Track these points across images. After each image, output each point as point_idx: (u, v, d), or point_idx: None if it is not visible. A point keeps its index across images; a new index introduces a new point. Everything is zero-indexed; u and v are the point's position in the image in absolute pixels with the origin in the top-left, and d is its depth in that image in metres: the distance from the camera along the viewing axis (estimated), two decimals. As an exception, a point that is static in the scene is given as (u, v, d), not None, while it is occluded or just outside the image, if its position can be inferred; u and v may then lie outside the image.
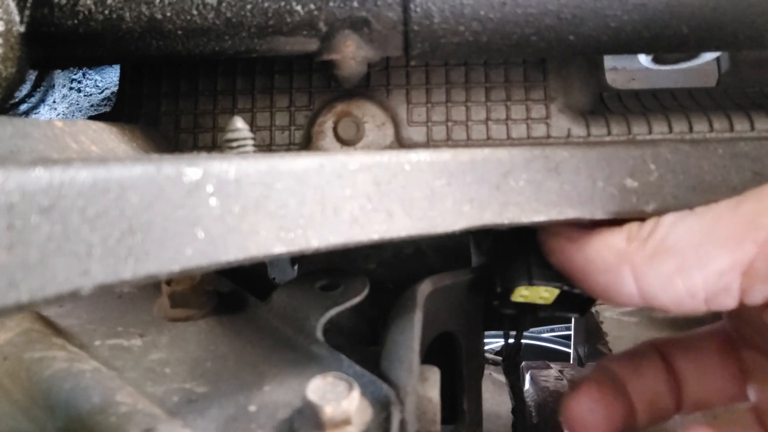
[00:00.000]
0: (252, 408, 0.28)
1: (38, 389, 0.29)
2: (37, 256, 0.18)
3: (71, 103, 0.53)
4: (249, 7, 0.34)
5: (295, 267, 0.54)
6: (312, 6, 0.34)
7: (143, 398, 0.28)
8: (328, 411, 0.25)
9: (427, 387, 0.32)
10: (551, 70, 0.43)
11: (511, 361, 0.54)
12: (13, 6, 0.34)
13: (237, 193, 0.24)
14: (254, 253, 0.24)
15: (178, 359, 0.32)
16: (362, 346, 0.42)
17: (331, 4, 0.34)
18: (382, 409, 0.28)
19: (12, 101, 0.36)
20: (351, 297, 0.35)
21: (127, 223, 0.20)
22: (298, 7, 0.34)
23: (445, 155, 0.31)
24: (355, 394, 0.26)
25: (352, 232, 0.28)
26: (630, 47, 0.36)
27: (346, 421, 0.26)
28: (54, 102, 0.51)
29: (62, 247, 0.19)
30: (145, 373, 0.31)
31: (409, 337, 0.31)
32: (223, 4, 0.34)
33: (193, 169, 0.23)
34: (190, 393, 0.29)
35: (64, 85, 0.52)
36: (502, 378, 0.65)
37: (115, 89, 0.55)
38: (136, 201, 0.21)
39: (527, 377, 0.66)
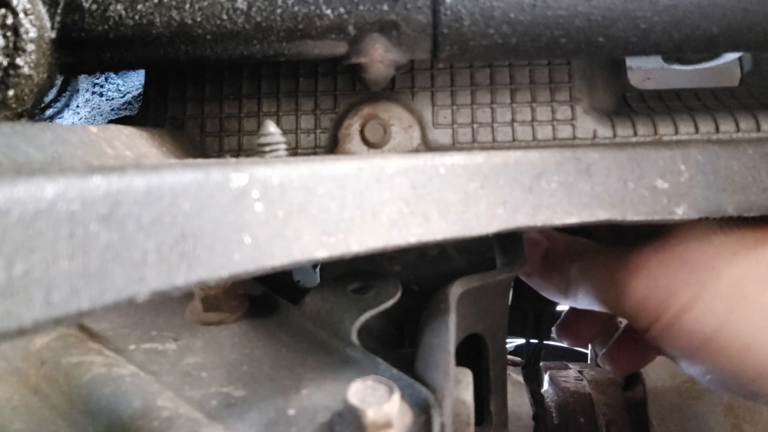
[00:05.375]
0: (291, 411, 0.28)
1: (78, 394, 0.29)
2: (96, 263, 0.18)
3: (93, 107, 0.53)
4: (279, 11, 0.34)
5: (317, 269, 0.55)
6: (342, 10, 0.35)
7: (183, 403, 0.28)
8: (371, 414, 0.25)
9: (460, 389, 0.32)
10: (576, 71, 0.43)
11: (532, 367, 0.54)
12: (44, 12, 0.35)
13: (281, 198, 0.24)
14: (298, 258, 0.24)
15: (213, 363, 0.32)
16: (393, 349, 0.42)
17: (360, 7, 0.34)
18: (422, 412, 0.28)
19: (40, 106, 0.36)
20: (384, 300, 0.35)
21: (179, 230, 0.21)
22: (328, 11, 0.35)
23: (478, 158, 0.31)
24: (396, 397, 0.26)
25: (391, 235, 0.28)
26: (659, 48, 0.36)
27: (388, 425, 0.26)
28: (77, 106, 0.52)
29: (120, 255, 0.19)
30: (182, 378, 0.31)
31: (445, 339, 0.31)
32: (254, 9, 0.34)
33: (239, 175, 0.23)
34: (229, 397, 0.29)
35: (87, 90, 0.52)
36: (520, 379, 0.65)
37: (136, 93, 0.55)
38: (187, 207, 0.21)
39: (546, 378, 0.66)
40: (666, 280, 0.35)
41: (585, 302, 0.42)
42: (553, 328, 0.54)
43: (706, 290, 0.33)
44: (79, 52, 0.36)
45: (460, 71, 0.43)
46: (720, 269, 0.33)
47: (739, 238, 0.34)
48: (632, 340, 0.53)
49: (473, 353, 0.43)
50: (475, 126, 0.42)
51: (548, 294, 0.45)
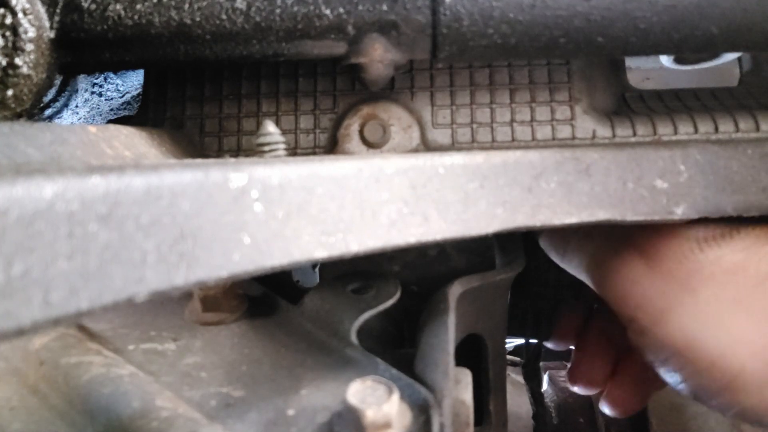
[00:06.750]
0: (290, 412, 0.28)
1: (76, 394, 0.29)
2: (95, 263, 0.18)
3: (92, 107, 0.53)
4: (278, 11, 0.34)
5: (317, 269, 0.55)
6: (341, 10, 0.34)
7: (183, 403, 0.28)
8: (370, 415, 0.25)
9: (460, 389, 0.32)
10: (575, 71, 0.43)
11: (532, 366, 0.54)
12: (43, 12, 0.35)
13: (280, 198, 0.24)
14: (297, 258, 0.24)
15: (213, 363, 0.32)
16: (393, 349, 0.42)
17: (360, 7, 0.34)
18: (421, 412, 0.28)
19: (39, 106, 0.36)
20: (383, 300, 0.35)
21: (178, 230, 0.20)
22: (327, 11, 0.35)
23: (477, 158, 0.31)
24: (395, 397, 0.26)
25: (390, 235, 0.28)
26: (658, 48, 0.36)
27: (387, 425, 0.26)
28: (76, 106, 0.52)
29: (119, 255, 0.19)
30: (181, 378, 0.31)
31: (444, 340, 0.31)
32: (253, 9, 0.34)
33: (238, 175, 0.23)
34: (228, 397, 0.29)
35: (86, 90, 0.52)
36: (520, 379, 0.65)
37: (135, 93, 0.55)
38: (187, 207, 0.21)
39: (545, 378, 0.66)
40: (643, 286, 0.36)
41: (575, 272, 0.42)
42: (566, 376, 0.53)
43: (680, 305, 0.34)
44: (78, 52, 0.36)
45: (460, 71, 0.43)
46: (696, 288, 0.34)
47: (717, 258, 0.34)
48: (632, 375, 0.51)
49: (473, 353, 0.43)
50: (475, 126, 0.42)
51: (547, 249, 0.44)
